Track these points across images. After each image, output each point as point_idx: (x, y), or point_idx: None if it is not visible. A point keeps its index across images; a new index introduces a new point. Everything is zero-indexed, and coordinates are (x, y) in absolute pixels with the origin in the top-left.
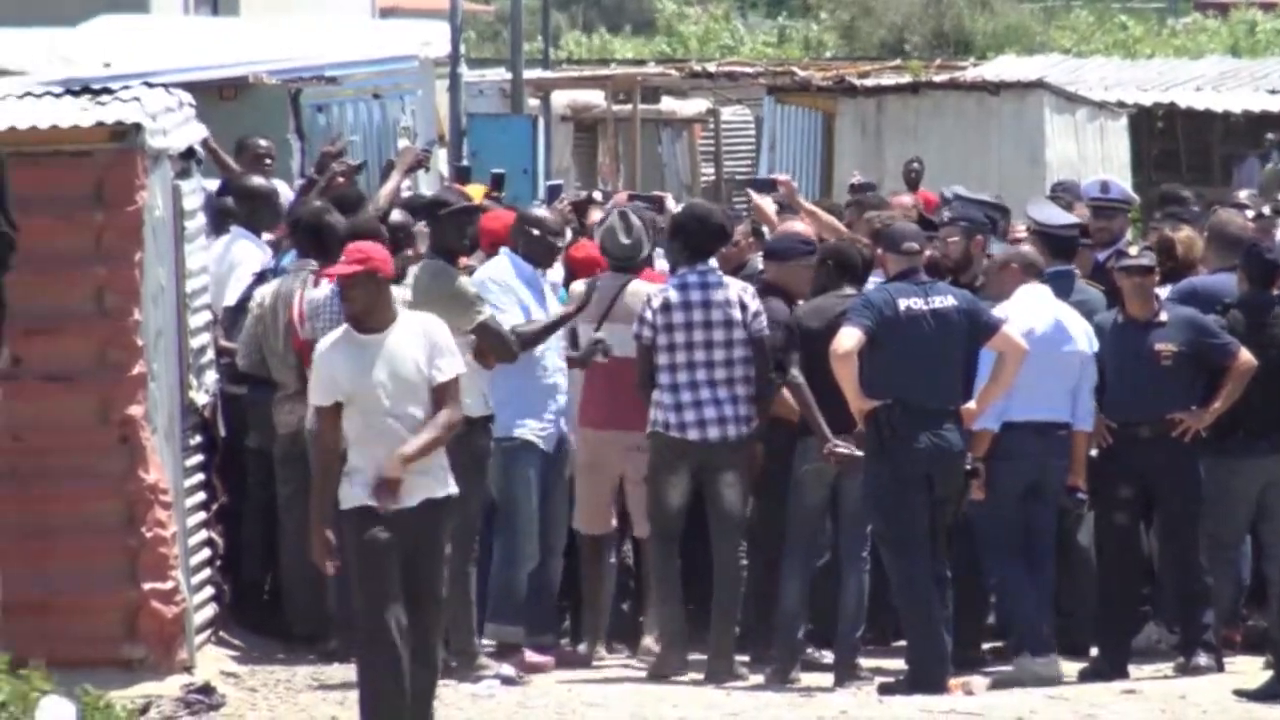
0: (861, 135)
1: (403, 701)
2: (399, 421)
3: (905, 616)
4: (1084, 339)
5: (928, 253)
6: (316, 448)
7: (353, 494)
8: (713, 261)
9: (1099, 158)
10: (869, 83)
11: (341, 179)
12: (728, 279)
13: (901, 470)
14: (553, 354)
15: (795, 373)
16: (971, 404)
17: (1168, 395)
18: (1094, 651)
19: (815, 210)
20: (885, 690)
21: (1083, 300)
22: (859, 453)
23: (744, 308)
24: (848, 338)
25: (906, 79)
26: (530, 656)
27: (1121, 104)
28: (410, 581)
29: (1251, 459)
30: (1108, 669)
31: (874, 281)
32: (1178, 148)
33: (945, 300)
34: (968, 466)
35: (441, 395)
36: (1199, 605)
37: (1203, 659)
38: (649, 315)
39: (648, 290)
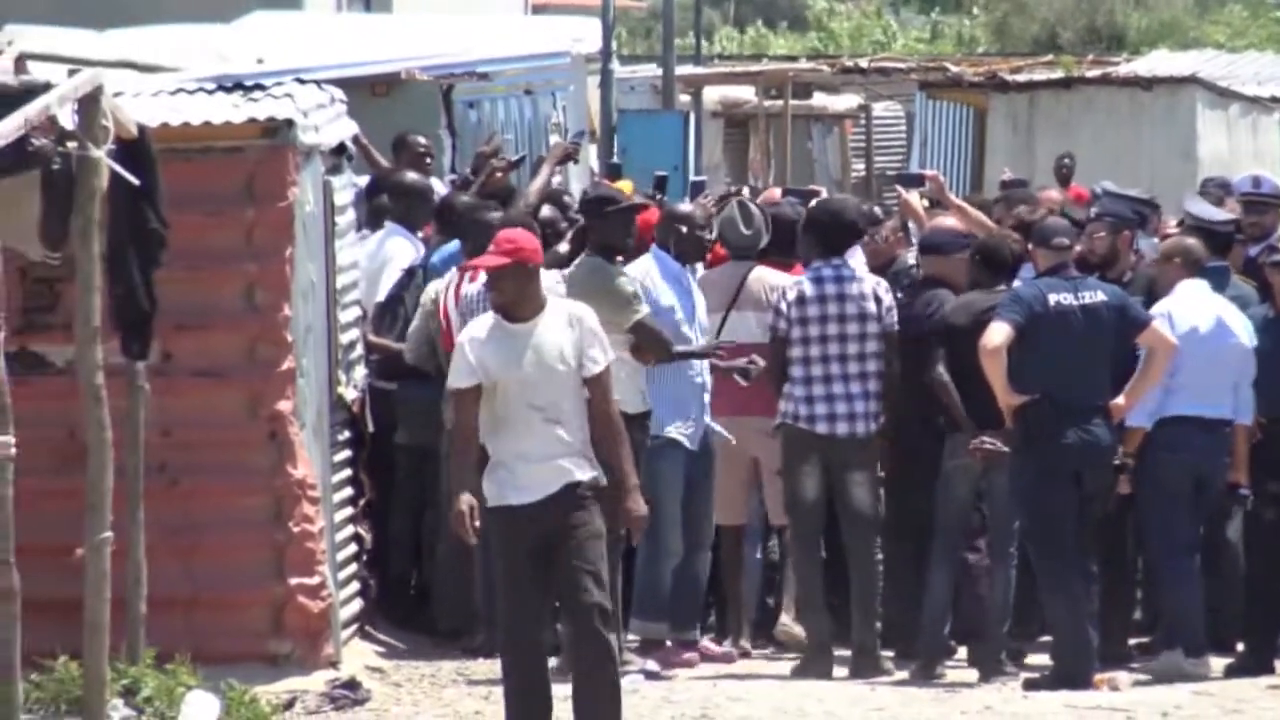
0: (1013, 131)
1: (543, 704)
2: (540, 412)
3: (1051, 612)
4: (1244, 333)
5: (1077, 248)
6: (455, 431)
7: (496, 492)
8: (859, 256)
9: (1251, 153)
10: (1021, 78)
11: (500, 174)
12: (862, 273)
13: (1049, 466)
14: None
15: (940, 370)
16: (1120, 399)
17: None
18: (1240, 647)
19: (964, 206)
20: (1030, 686)
21: (1236, 295)
22: (1005, 449)
23: (879, 301)
24: (997, 333)
25: (1059, 74)
26: (676, 653)
27: (1275, 99)
28: (561, 566)
29: None
30: (1254, 665)
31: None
32: None
33: (1095, 295)
34: (1116, 462)
35: (596, 387)
36: None
37: None
38: (784, 308)
39: (771, 278)
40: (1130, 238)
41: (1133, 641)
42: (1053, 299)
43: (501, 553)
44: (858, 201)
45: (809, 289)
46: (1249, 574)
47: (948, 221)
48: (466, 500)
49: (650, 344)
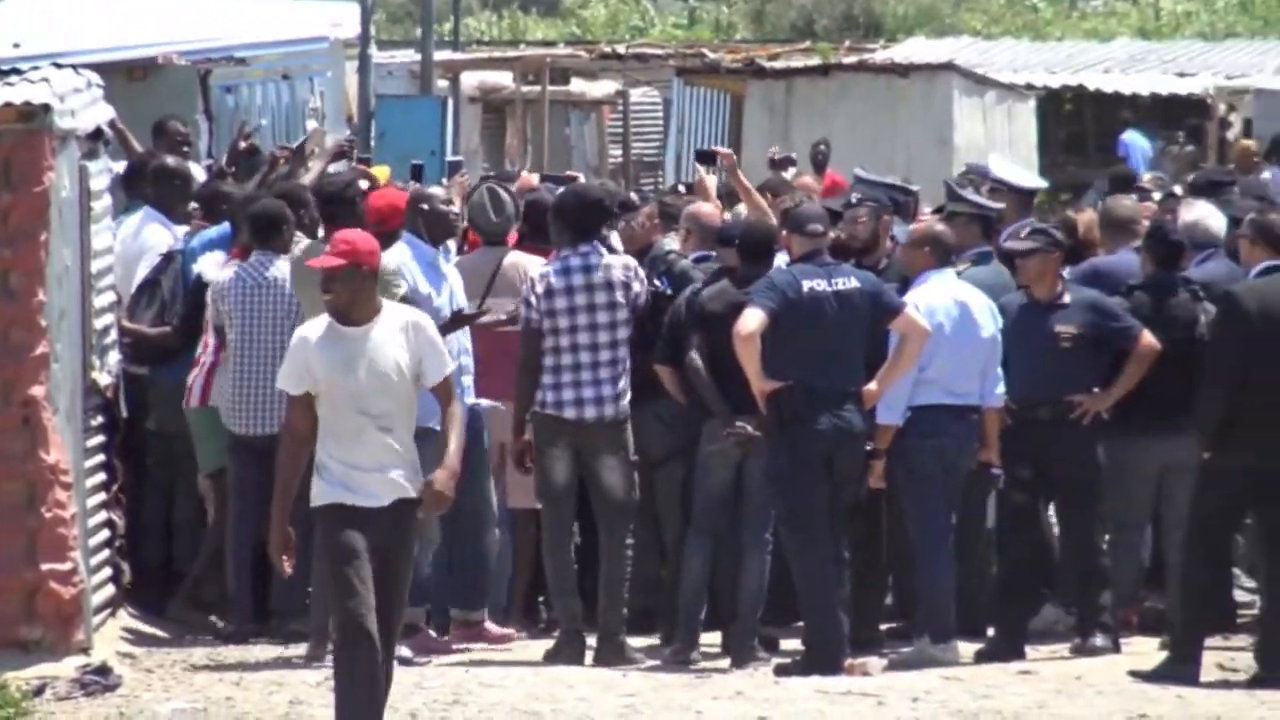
0: (770, 117)
1: (381, 706)
2: (373, 420)
3: (803, 597)
4: (990, 321)
5: (832, 234)
6: (286, 439)
7: (325, 491)
8: (614, 241)
9: (1007, 140)
10: (778, 65)
11: (283, 162)
12: (612, 259)
13: (802, 451)
14: (461, 335)
15: (694, 355)
16: (873, 385)
17: (1068, 377)
18: (991, 632)
19: (749, 187)
20: (781, 671)
21: (1000, 282)
22: (759, 434)
23: (627, 287)
24: (751, 319)
25: (815, 61)
26: (431, 639)
27: (1030, 86)
28: (378, 581)
29: (1152, 441)
30: (1004, 650)
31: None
32: (1086, 130)
33: (849, 282)
34: (868, 448)
35: (443, 393)
36: (1097, 587)
37: (1099, 640)
38: (533, 299)
39: (527, 264)
40: (889, 224)
41: (884, 627)
42: (807, 285)
43: (335, 552)
44: (608, 186)
45: (555, 280)
46: (1000, 560)
47: (706, 208)
48: (289, 534)
49: None
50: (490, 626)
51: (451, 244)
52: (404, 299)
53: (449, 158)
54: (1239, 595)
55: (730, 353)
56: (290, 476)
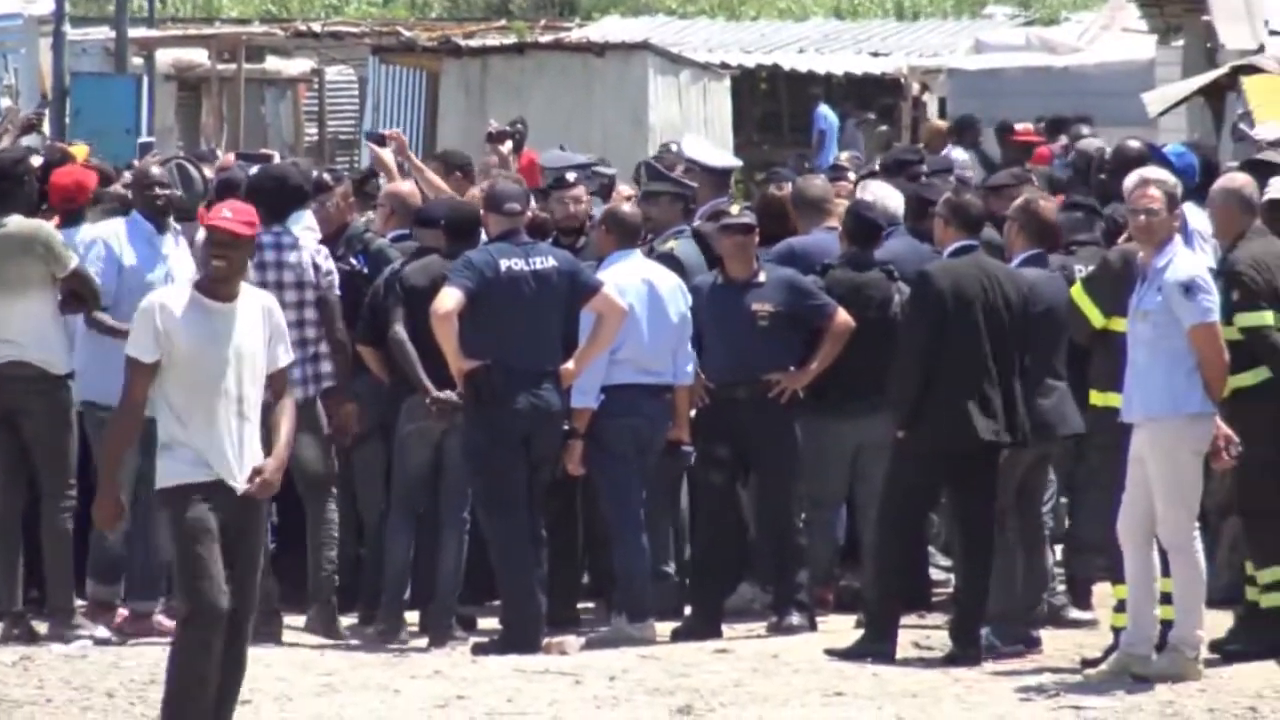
0: (466, 95)
1: (211, 691)
2: (229, 401)
3: (501, 576)
4: (679, 299)
5: (529, 214)
6: (128, 408)
7: (175, 469)
8: (309, 220)
9: (702, 119)
10: (474, 43)
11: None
12: (305, 240)
13: (499, 430)
14: None
15: (398, 329)
16: (570, 364)
17: (764, 356)
18: (688, 611)
19: (423, 166)
20: (479, 650)
21: (692, 259)
22: (459, 408)
23: (316, 269)
24: (448, 298)
25: (511, 40)
26: (130, 620)
27: (725, 65)
28: (229, 565)
29: (848, 420)
30: (701, 628)
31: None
32: (780, 109)
33: (546, 261)
34: (565, 427)
35: (279, 381)
36: (793, 565)
37: (796, 618)
38: None
39: None
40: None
41: (581, 606)
42: (504, 264)
43: (183, 530)
44: (303, 166)
45: None
46: (696, 538)
47: (404, 187)
48: (120, 500)
49: (90, 293)
50: (161, 619)
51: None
52: (79, 271)
53: (140, 139)
54: (934, 573)
55: (431, 329)
56: (122, 447)
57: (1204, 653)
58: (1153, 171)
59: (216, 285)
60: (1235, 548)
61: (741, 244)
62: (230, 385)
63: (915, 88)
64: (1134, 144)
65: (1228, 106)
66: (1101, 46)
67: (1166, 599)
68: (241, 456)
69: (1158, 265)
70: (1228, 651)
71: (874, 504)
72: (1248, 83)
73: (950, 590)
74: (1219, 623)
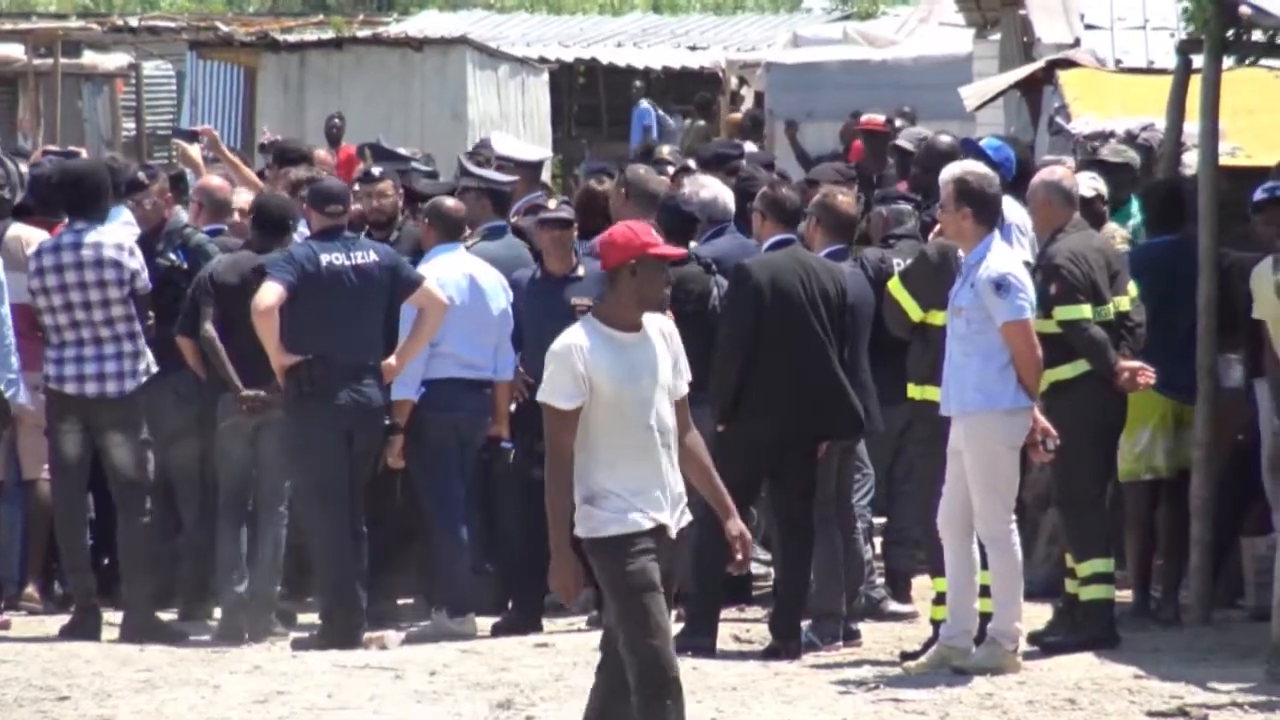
0: (284, 90)
1: None
2: None
3: (321, 571)
4: (500, 294)
5: (355, 208)
6: None
7: None
8: (126, 215)
9: (520, 113)
10: (292, 38)
11: None
12: (113, 236)
13: (321, 425)
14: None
15: (208, 326)
16: (392, 359)
17: None
18: (510, 606)
19: (237, 162)
20: (299, 645)
21: (515, 255)
22: (272, 405)
23: (118, 265)
24: (269, 293)
25: (329, 34)
26: None
27: (543, 60)
28: None
29: None
30: (522, 623)
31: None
32: (599, 103)
33: (368, 256)
34: (387, 422)
35: None
36: None
37: None
38: (32, 273)
39: (30, 236)
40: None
41: (402, 601)
42: (325, 259)
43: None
44: (119, 162)
45: (47, 258)
46: (523, 535)
47: (214, 180)
48: None
49: None
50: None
51: None
52: None
53: None
54: (754, 567)
55: (245, 324)
56: None
57: (1023, 645)
58: (968, 166)
59: None
60: (1054, 540)
61: (559, 239)
62: None
63: (734, 81)
64: (945, 139)
65: (1044, 100)
66: (919, 40)
67: (985, 592)
68: None
69: (971, 262)
70: (1047, 643)
71: None
72: (1064, 77)
73: (770, 584)
74: (1038, 615)
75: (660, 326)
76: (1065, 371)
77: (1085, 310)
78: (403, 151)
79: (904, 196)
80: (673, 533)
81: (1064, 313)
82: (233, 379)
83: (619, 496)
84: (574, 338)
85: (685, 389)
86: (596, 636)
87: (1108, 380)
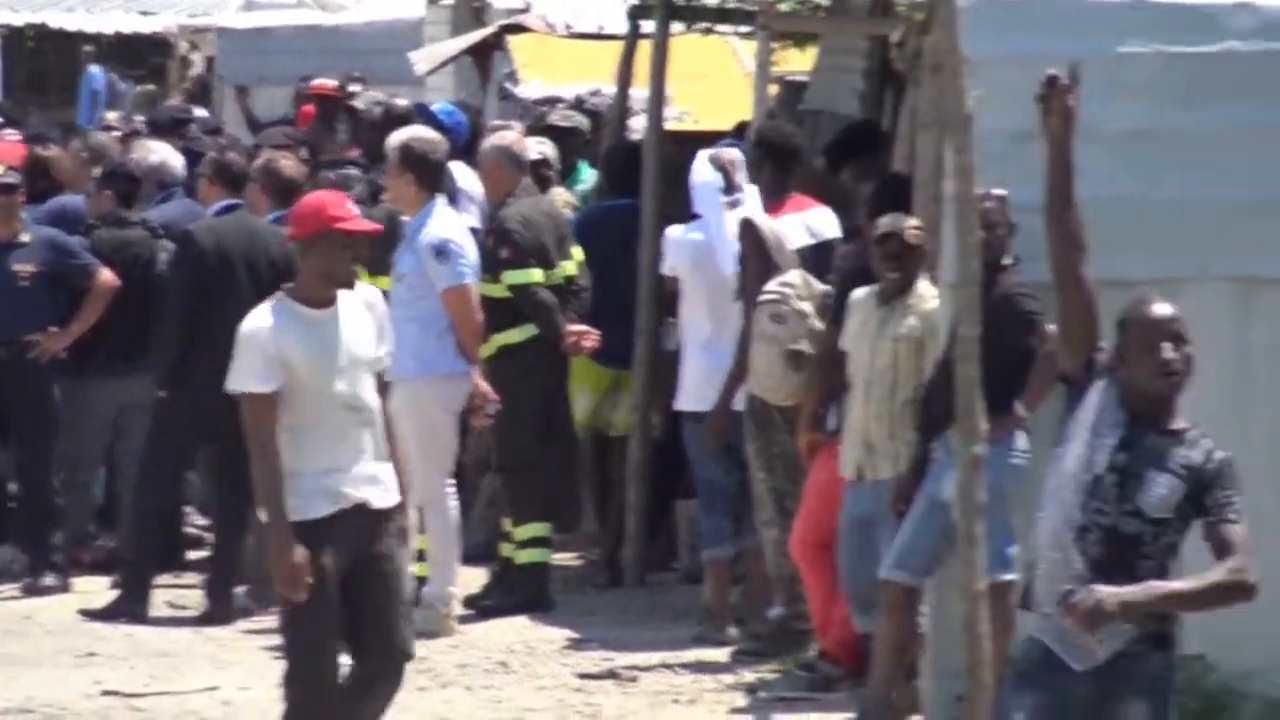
0: None
1: None
2: None
3: None
4: None
5: None
6: None
7: None
8: None
9: None
10: None
11: None
12: None
13: None
14: None
15: None
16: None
17: (25, 316)
18: None
19: None
20: None
21: None
22: None
23: None
24: None
25: None
26: None
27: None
28: None
29: (109, 380)
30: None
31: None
32: (48, 69)
33: None
34: None
35: None
36: (48, 526)
37: (50, 579)
38: None
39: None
40: None
41: None
42: None
43: None
44: None
45: None
46: None
47: None
48: None
49: None
50: None
51: None
52: None
53: None
54: (190, 532)
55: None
56: None
57: (457, 609)
58: (414, 132)
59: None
60: (492, 504)
61: (3, 204)
62: None
63: (184, 46)
64: (401, 103)
65: (494, 65)
66: (370, 6)
67: (422, 556)
68: None
69: (413, 227)
70: (482, 607)
71: (135, 464)
72: (514, 42)
73: (206, 551)
74: (474, 579)
75: (366, 298)
76: (514, 335)
77: (535, 274)
78: None
79: (352, 161)
80: (375, 506)
81: (514, 276)
82: None
83: (312, 478)
84: (260, 320)
85: (388, 360)
86: (29, 603)
87: (553, 344)
